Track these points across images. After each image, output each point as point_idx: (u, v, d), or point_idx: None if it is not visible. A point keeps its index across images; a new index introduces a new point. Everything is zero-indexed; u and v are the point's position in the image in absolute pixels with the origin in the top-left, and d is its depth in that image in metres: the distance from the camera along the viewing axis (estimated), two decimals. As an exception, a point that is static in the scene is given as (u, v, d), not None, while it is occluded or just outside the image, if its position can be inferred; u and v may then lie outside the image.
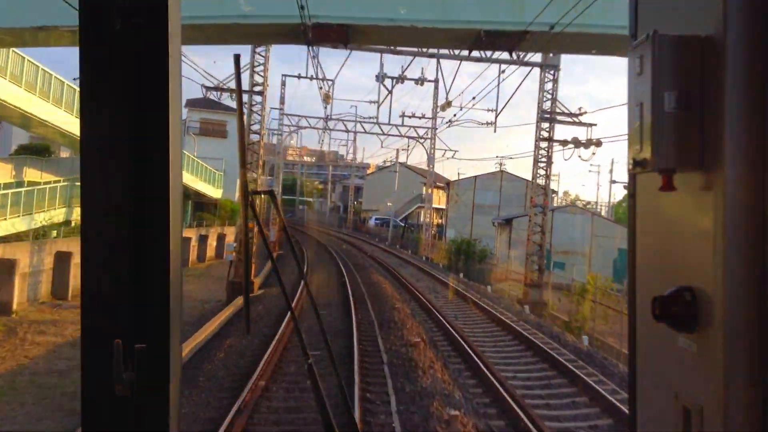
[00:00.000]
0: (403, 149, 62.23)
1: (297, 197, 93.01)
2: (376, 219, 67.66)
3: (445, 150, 48.01)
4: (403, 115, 42.84)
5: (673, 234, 1.08)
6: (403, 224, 61.22)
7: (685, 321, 1.00)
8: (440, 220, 60.01)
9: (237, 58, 1.40)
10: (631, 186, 1.20)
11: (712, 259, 0.96)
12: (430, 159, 45.02)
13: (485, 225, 44.78)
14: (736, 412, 0.93)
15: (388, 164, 75.10)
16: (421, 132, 43.48)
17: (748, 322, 0.93)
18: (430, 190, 46.27)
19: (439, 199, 62.72)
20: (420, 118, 43.26)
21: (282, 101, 42.58)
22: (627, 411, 1.28)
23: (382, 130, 42.68)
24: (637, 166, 1.06)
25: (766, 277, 0.93)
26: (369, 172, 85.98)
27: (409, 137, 44.50)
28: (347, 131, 45.54)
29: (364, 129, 44.49)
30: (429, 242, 44.63)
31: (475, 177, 49.92)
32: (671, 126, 1.00)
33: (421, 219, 57.45)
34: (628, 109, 1.09)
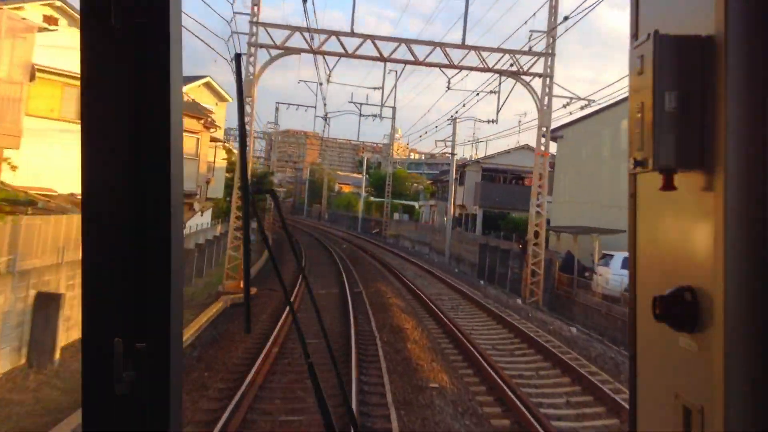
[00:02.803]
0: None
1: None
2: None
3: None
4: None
5: (674, 234, 1.08)
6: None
7: (685, 321, 1.00)
8: None
9: (238, 56, 1.39)
10: (632, 186, 1.20)
11: (713, 259, 0.96)
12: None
13: None
14: (736, 412, 0.93)
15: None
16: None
17: (749, 322, 0.93)
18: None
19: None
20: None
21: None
22: (628, 408, 1.28)
23: None
24: (637, 165, 1.06)
25: (766, 277, 0.93)
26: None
27: None
28: None
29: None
30: None
31: None
32: (672, 126, 1.00)
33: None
34: (629, 108, 1.09)
